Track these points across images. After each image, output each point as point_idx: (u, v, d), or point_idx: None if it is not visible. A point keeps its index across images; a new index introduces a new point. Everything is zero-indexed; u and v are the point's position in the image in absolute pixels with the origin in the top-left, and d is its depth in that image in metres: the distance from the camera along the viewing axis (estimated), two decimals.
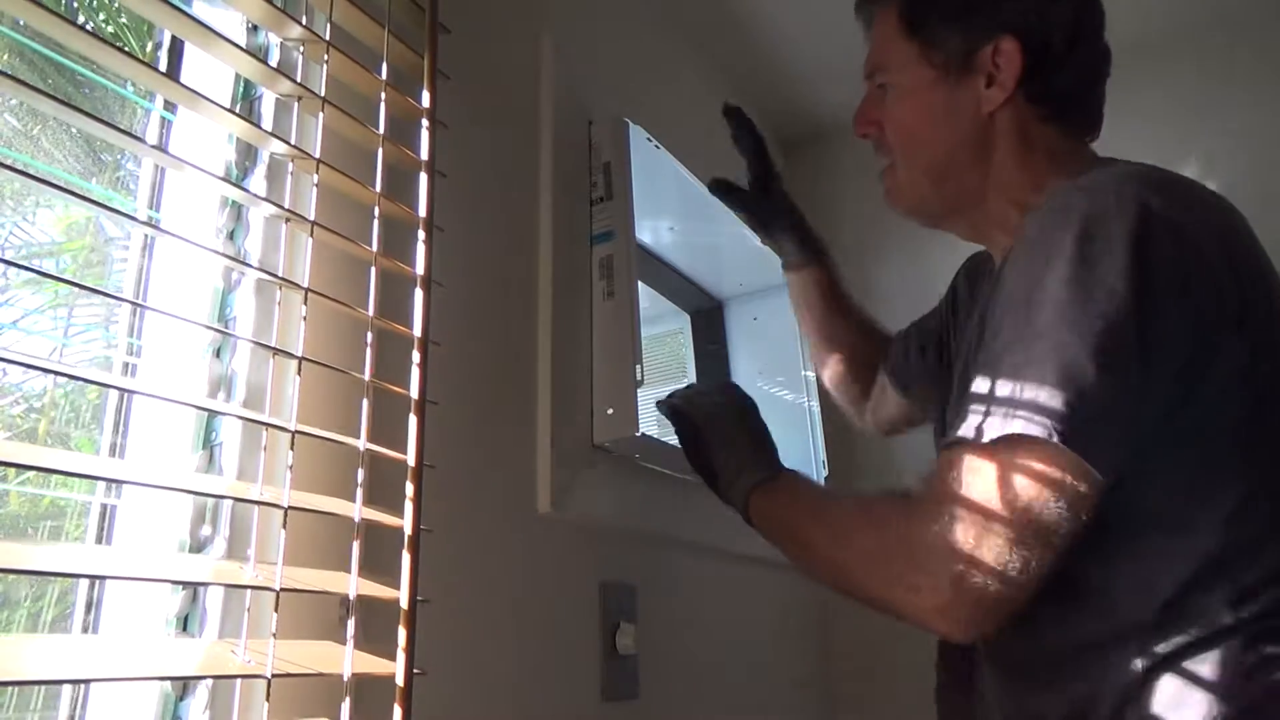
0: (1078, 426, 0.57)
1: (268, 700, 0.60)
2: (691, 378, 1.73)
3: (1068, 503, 0.57)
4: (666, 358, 1.80)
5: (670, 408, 0.94)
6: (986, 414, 0.60)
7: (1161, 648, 0.60)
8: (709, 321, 1.75)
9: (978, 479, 0.59)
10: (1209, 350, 0.60)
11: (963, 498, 0.59)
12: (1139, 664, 0.61)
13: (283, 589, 0.63)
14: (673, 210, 1.46)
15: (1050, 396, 0.57)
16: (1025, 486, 0.57)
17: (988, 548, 0.57)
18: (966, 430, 0.61)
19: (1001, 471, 0.58)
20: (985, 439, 0.59)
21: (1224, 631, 0.59)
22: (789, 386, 1.63)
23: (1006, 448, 0.58)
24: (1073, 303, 0.58)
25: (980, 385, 0.62)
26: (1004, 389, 0.60)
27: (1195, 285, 0.60)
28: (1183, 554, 0.60)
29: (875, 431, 1.12)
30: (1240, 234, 0.66)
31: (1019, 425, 0.58)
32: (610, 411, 1.10)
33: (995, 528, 0.57)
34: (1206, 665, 0.59)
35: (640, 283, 1.20)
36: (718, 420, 0.88)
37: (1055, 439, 0.56)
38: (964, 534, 0.58)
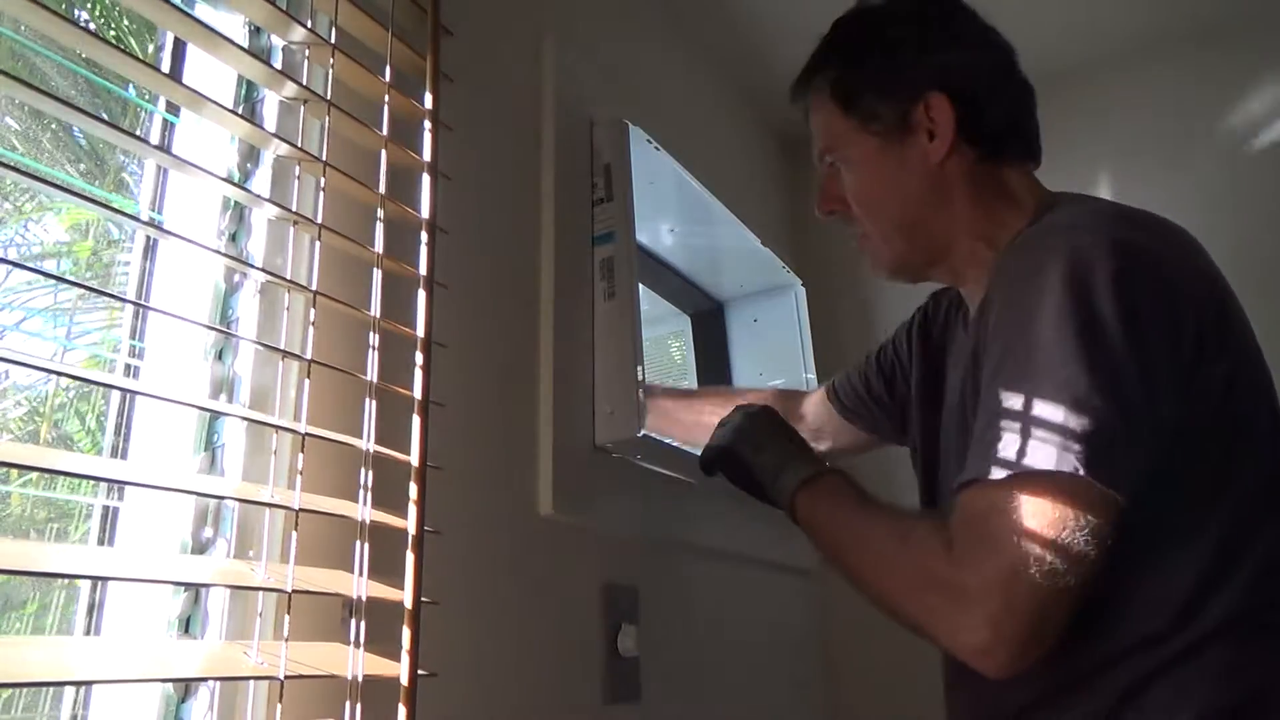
0: (1096, 455, 0.59)
1: (280, 701, 0.60)
2: (692, 379, 1.73)
3: (1093, 531, 0.59)
4: (667, 359, 1.80)
5: (705, 461, 0.97)
6: (1002, 452, 0.62)
7: (1164, 654, 0.63)
8: (709, 323, 1.75)
9: (1005, 518, 0.60)
10: (1196, 375, 0.64)
11: (993, 539, 0.60)
12: (1141, 672, 0.63)
13: (294, 591, 0.63)
14: (673, 212, 1.46)
15: (1065, 430, 0.59)
16: (1052, 521, 0.59)
17: (1023, 587, 0.59)
18: (985, 469, 0.63)
19: (1028, 508, 0.59)
20: (1006, 475, 0.61)
21: (1215, 633, 0.62)
22: (790, 388, 1.63)
23: (1029, 483, 0.60)
24: (1071, 339, 0.61)
25: (990, 424, 0.64)
26: (1016, 427, 0.62)
27: (1177, 316, 0.64)
28: (1190, 564, 0.64)
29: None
30: (1207, 267, 0.70)
31: (1040, 460, 0.60)
32: (611, 412, 1.10)
33: (1028, 566, 0.59)
34: (1198, 667, 0.62)
35: (640, 284, 1.20)
36: (743, 433, 0.92)
37: (1080, 471, 0.58)
38: (999, 576, 0.59)
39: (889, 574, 0.70)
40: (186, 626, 0.70)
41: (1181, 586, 0.63)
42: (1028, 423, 0.61)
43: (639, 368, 1.10)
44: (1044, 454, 0.60)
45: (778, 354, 1.65)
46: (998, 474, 0.61)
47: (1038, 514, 0.59)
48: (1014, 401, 0.63)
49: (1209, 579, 0.63)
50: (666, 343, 1.80)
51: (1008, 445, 0.62)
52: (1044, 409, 0.60)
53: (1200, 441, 0.65)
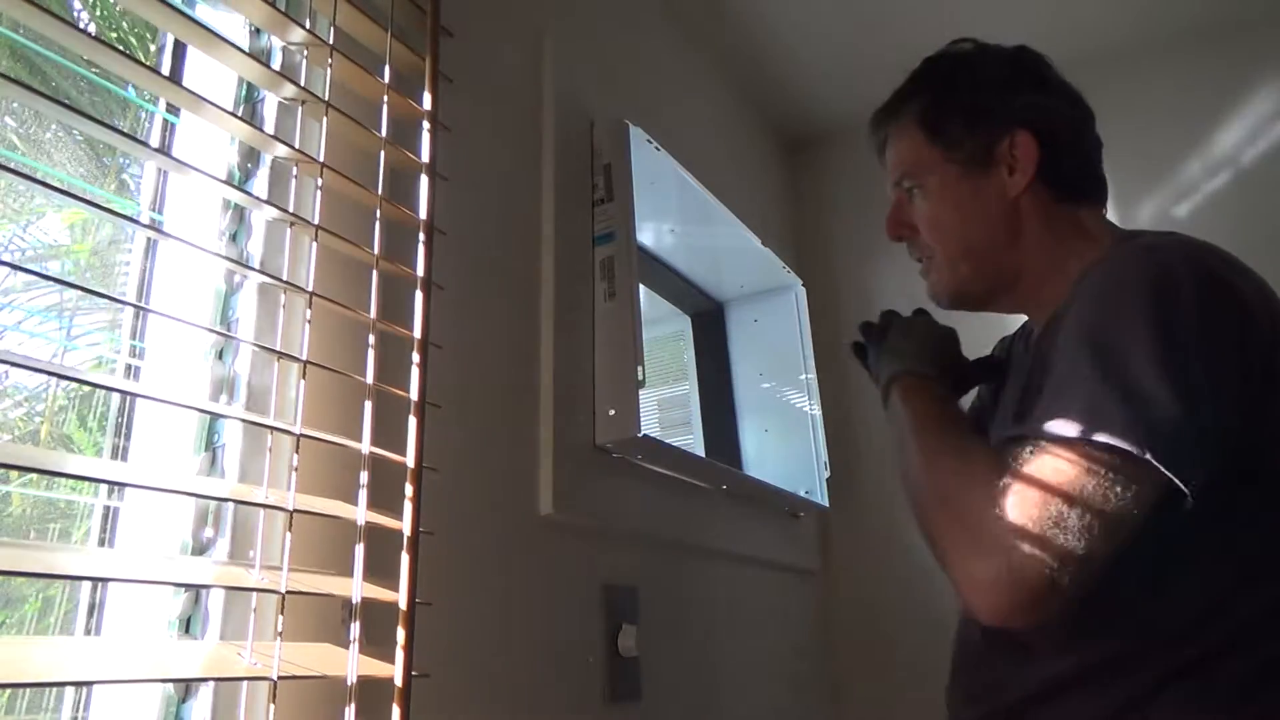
0: (1160, 441, 0.60)
1: (273, 702, 0.60)
2: (692, 379, 1.73)
3: (1137, 511, 0.60)
4: (667, 359, 1.80)
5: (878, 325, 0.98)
6: (1068, 418, 0.63)
7: (1178, 661, 0.63)
8: (709, 324, 1.75)
9: (1056, 474, 0.62)
10: (1262, 407, 0.65)
11: (1038, 490, 0.62)
12: (1150, 678, 0.64)
13: (288, 592, 0.63)
14: (673, 212, 1.46)
15: (1133, 413, 0.61)
16: (1102, 490, 0.60)
17: (1053, 542, 0.60)
18: (1047, 430, 0.63)
19: (1080, 472, 0.61)
20: (1068, 437, 0.62)
21: (1230, 649, 0.62)
22: (790, 389, 1.63)
23: (1088, 450, 0.61)
24: (1150, 341, 0.63)
25: (1056, 397, 0.65)
26: (1084, 403, 0.63)
27: (1251, 349, 0.65)
28: (1221, 574, 0.65)
29: None
30: (1275, 301, 0.72)
31: (1105, 433, 0.61)
32: (612, 413, 1.10)
33: (1065, 525, 0.60)
34: (1209, 682, 0.62)
35: (641, 284, 1.20)
36: (903, 322, 0.95)
37: (1144, 452, 0.60)
38: (1033, 526, 0.61)
39: (938, 503, 0.70)
40: (187, 627, 0.70)
41: (1204, 595, 0.64)
42: (1097, 401, 0.62)
43: (639, 368, 1.10)
44: (1110, 429, 0.61)
45: (778, 354, 1.65)
46: (1061, 433, 0.62)
47: (1089, 480, 0.60)
48: (1085, 384, 0.64)
49: (1231, 594, 0.64)
50: (667, 343, 1.80)
51: (1075, 415, 0.63)
52: (1115, 392, 0.62)
53: (1253, 467, 0.66)
